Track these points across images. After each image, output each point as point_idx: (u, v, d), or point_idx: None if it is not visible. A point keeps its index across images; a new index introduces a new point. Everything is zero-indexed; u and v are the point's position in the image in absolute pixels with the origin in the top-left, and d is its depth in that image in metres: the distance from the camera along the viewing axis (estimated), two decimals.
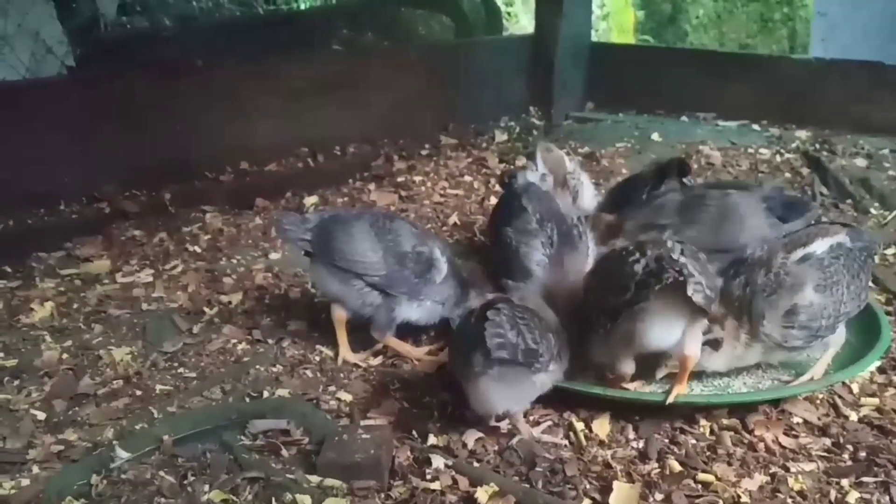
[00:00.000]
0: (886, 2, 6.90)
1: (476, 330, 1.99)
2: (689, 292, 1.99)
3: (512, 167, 4.51)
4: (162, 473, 1.99)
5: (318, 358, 2.60)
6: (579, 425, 2.19)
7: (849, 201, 3.87)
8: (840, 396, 2.30)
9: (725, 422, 2.19)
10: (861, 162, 4.41)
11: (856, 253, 2.30)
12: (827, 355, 2.31)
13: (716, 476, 1.97)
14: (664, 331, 2.13)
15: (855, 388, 2.35)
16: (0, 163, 3.70)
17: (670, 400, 2.15)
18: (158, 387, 2.44)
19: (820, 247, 2.27)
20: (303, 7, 7.15)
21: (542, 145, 3.34)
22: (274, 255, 3.46)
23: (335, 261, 2.51)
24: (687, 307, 2.05)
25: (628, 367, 2.23)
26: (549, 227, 2.68)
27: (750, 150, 4.77)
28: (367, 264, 2.50)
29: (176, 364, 2.59)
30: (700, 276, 2.03)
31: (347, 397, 2.36)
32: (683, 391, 2.19)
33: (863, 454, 2.05)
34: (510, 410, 2.07)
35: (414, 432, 2.15)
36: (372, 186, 4.35)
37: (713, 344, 2.22)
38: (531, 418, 2.21)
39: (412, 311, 2.56)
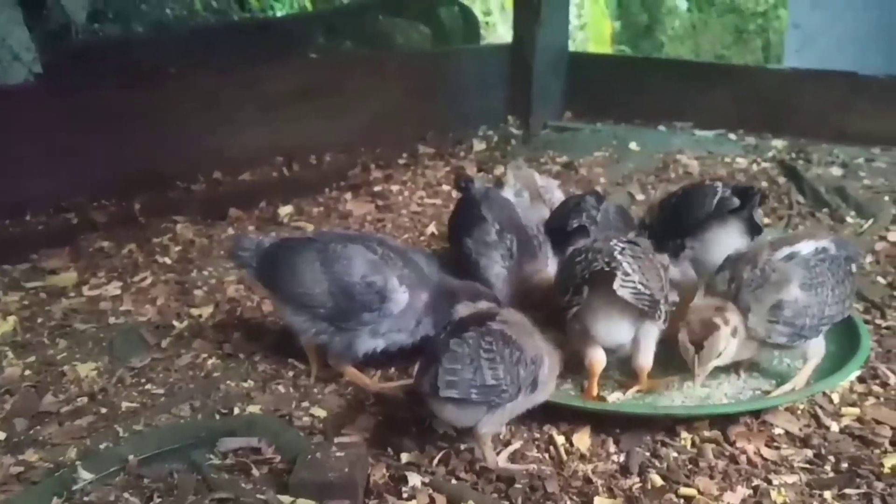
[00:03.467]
0: (859, 13, 6.98)
1: (437, 350, 1.94)
2: (615, 285, 2.05)
3: (475, 175, 4.47)
4: (127, 495, 1.90)
5: (291, 373, 2.53)
6: (560, 439, 2.14)
7: (825, 210, 3.87)
8: (821, 407, 2.28)
9: (707, 434, 2.15)
10: (837, 171, 4.43)
11: (840, 260, 2.30)
12: (808, 367, 2.29)
13: (698, 490, 1.93)
14: (608, 328, 2.18)
15: (835, 397, 2.32)
16: None
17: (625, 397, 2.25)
18: (124, 404, 2.36)
19: (806, 247, 2.28)
20: (279, 14, 7.08)
21: (513, 163, 3.32)
22: None
23: (277, 290, 2.43)
24: (628, 306, 2.11)
25: (596, 357, 2.21)
26: (509, 238, 2.64)
27: (727, 160, 4.79)
28: (310, 296, 2.36)
29: (143, 380, 2.51)
30: (635, 274, 2.09)
31: (321, 413, 2.29)
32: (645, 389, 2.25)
33: (845, 465, 2.03)
34: (478, 430, 2.00)
35: (389, 449, 2.09)
36: (348, 196, 4.30)
37: (733, 332, 2.19)
38: (510, 429, 2.16)
39: (374, 342, 2.41)
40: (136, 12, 6.06)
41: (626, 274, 2.08)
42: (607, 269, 2.07)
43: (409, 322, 2.40)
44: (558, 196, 3.26)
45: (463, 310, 2.17)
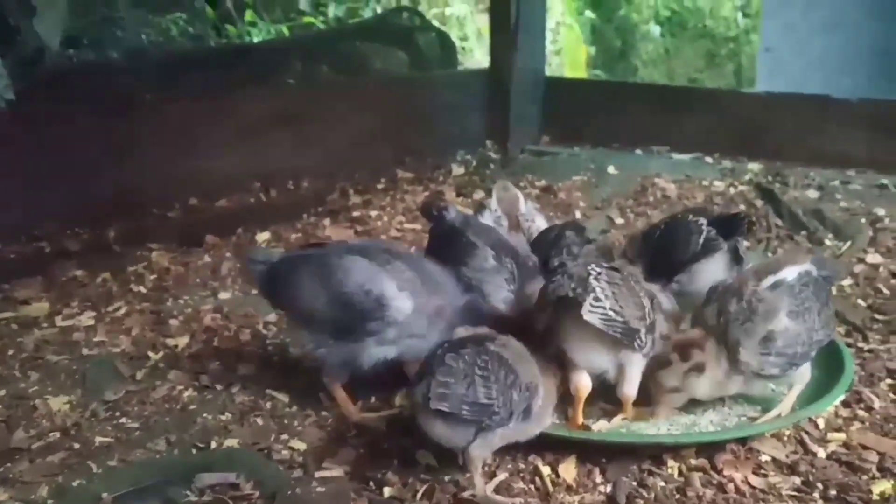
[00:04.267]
0: (829, 37, 7.12)
1: (433, 363, 1.92)
2: (583, 311, 2.03)
3: (443, 201, 4.44)
4: None
5: (269, 404, 2.48)
6: (545, 469, 2.10)
7: (803, 233, 3.90)
8: (807, 433, 2.26)
9: (693, 462, 2.12)
10: (813, 194, 4.47)
11: (821, 282, 2.30)
12: (793, 392, 2.28)
13: None
14: (585, 354, 2.16)
15: (821, 423, 2.31)
16: None
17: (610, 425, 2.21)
18: (98, 439, 2.29)
19: (790, 273, 2.27)
20: (255, 40, 7.07)
21: (499, 184, 3.24)
22: (224, 295, 3.33)
23: (282, 305, 2.39)
24: (604, 332, 2.08)
25: (581, 382, 2.18)
26: (508, 262, 2.58)
27: (704, 183, 4.82)
28: (311, 311, 2.32)
29: (118, 413, 2.44)
30: (607, 301, 2.05)
31: (301, 446, 2.24)
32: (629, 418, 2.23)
33: (833, 492, 2.01)
34: (470, 452, 1.95)
35: (371, 483, 2.05)
36: (327, 221, 4.26)
37: (697, 368, 2.19)
38: (495, 459, 2.12)
39: (382, 351, 2.33)
40: (112, 38, 6.01)
41: (597, 300, 2.05)
42: (572, 294, 2.04)
43: (422, 327, 2.32)
44: (539, 225, 3.20)
45: (462, 331, 2.13)
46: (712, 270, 2.53)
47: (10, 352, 2.84)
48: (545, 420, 2.08)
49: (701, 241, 2.55)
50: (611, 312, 2.06)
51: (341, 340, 2.31)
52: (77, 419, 2.39)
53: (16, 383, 2.62)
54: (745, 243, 2.70)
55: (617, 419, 2.26)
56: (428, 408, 1.85)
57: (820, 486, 2.03)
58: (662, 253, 2.62)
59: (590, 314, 2.04)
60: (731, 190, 4.67)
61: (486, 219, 3.00)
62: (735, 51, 11.69)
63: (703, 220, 2.61)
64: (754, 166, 5.10)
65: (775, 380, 2.30)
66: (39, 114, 4.20)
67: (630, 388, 2.20)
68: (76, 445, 2.26)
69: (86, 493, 2.00)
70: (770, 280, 2.24)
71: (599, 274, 2.12)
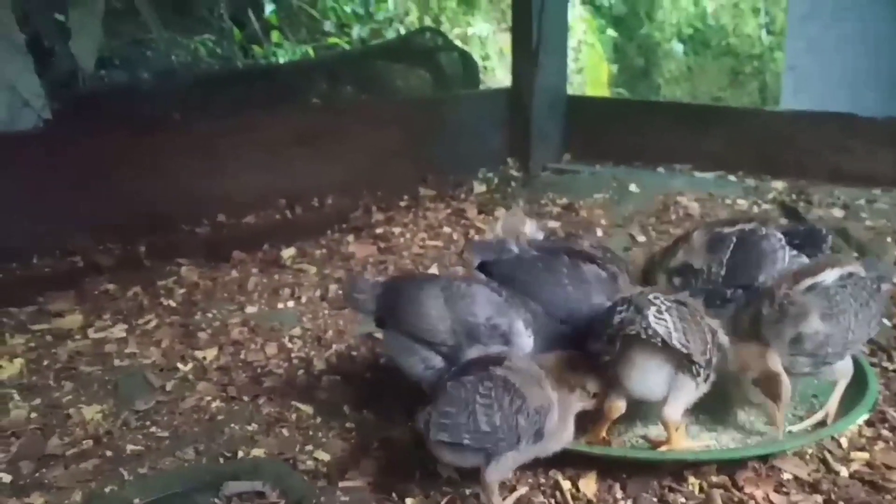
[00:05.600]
0: (853, 56, 7.09)
1: (437, 392, 1.94)
2: (648, 320, 1.99)
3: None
4: None
5: (294, 416, 2.52)
6: (566, 484, 2.12)
7: (827, 252, 3.88)
8: (829, 451, 2.26)
9: (714, 479, 2.13)
10: (838, 212, 4.46)
11: (866, 282, 2.31)
12: (838, 389, 2.31)
13: None
14: (643, 380, 2.11)
15: (844, 442, 2.31)
16: None
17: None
18: (129, 447, 2.35)
19: (829, 276, 2.28)
20: (281, 61, 7.19)
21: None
22: (250, 309, 3.39)
23: (400, 325, 2.29)
24: (664, 361, 2.06)
25: (616, 404, 2.15)
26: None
27: (727, 201, 4.82)
28: (432, 332, 2.25)
29: (148, 423, 2.50)
30: (676, 332, 2.01)
31: (325, 457, 2.28)
32: (676, 448, 2.16)
33: None
34: (485, 478, 1.96)
35: (394, 494, 2.08)
36: (350, 238, 4.32)
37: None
38: (516, 474, 2.14)
39: None
40: (142, 59, 6.15)
41: (660, 312, 2.02)
42: (644, 336, 2.00)
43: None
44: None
45: (473, 353, 2.16)
46: None
47: (45, 362, 2.91)
48: (564, 436, 2.06)
49: (786, 258, 2.48)
50: (677, 343, 2.01)
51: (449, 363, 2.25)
52: (109, 428, 2.46)
53: (50, 393, 2.69)
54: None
55: (663, 448, 2.21)
56: (428, 433, 1.88)
57: None
58: (741, 269, 2.50)
59: (655, 324, 1.99)
60: (755, 208, 4.67)
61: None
62: (759, 69, 11.62)
63: (780, 236, 2.52)
64: (778, 184, 5.10)
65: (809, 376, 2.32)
66: (73, 132, 4.32)
67: (673, 412, 2.14)
68: (108, 453, 2.32)
69: (117, 498, 2.06)
70: (807, 283, 2.26)
71: (669, 308, 2.07)
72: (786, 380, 2.17)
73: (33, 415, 2.55)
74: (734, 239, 2.56)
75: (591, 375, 2.11)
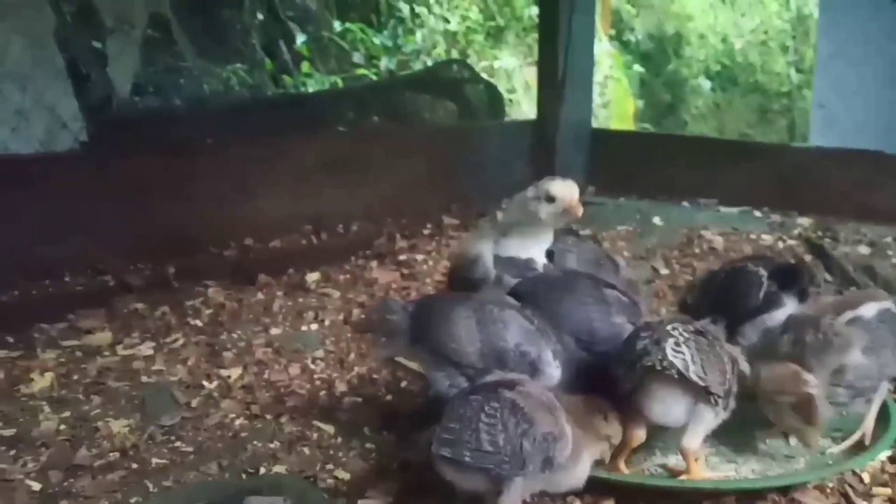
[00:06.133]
0: (883, 93, 7.09)
1: (443, 409, 1.97)
2: (666, 353, 2.04)
3: None
4: None
5: (315, 435, 2.55)
6: None
7: (853, 289, 3.87)
8: (851, 486, 2.24)
9: None
10: (864, 249, 4.44)
11: None
12: (873, 409, 2.33)
13: None
14: (662, 409, 2.13)
15: (866, 477, 2.29)
16: (8, 233, 3.73)
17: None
18: (155, 460, 2.39)
19: (868, 310, 2.34)
20: (311, 90, 7.32)
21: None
22: (275, 331, 3.44)
23: (429, 343, 2.30)
24: (683, 392, 2.08)
25: (638, 434, 2.18)
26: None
27: (752, 236, 4.82)
28: (460, 353, 2.26)
29: (173, 438, 2.54)
30: (693, 365, 2.04)
31: (345, 476, 2.30)
32: (695, 478, 2.16)
33: None
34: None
35: None
36: (374, 264, 4.37)
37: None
38: (534, 498, 2.15)
39: None
40: (176, 87, 6.31)
41: (678, 345, 2.06)
42: (659, 367, 2.04)
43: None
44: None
45: (491, 377, 2.17)
46: (773, 324, 2.50)
47: (75, 377, 2.98)
48: (577, 473, 2.03)
49: (762, 294, 2.53)
50: (694, 376, 2.05)
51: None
52: (135, 441, 2.50)
53: (79, 406, 2.75)
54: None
55: (682, 477, 2.20)
56: (432, 452, 1.90)
57: None
58: (722, 301, 2.58)
59: (673, 357, 2.04)
60: (780, 244, 4.66)
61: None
62: (787, 106, 11.62)
63: (763, 272, 2.58)
64: (804, 221, 5.09)
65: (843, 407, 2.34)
66: (108, 155, 4.44)
67: (692, 441, 2.15)
68: (134, 465, 2.37)
69: None
70: (848, 315, 2.31)
71: (687, 340, 2.10)
72: (821, 402, 2.18)
73: (62, 426, 2.60)
74: (723, 276, 2.70)
75: (612, 421, 2.11)
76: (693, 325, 2.21)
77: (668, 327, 2.12)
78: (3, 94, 4.24)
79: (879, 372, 2.28)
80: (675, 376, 2.04)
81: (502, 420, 1.93)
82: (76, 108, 4.44)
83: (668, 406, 2.13)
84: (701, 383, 2.06)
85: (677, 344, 2.07)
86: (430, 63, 8.30)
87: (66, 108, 4.40)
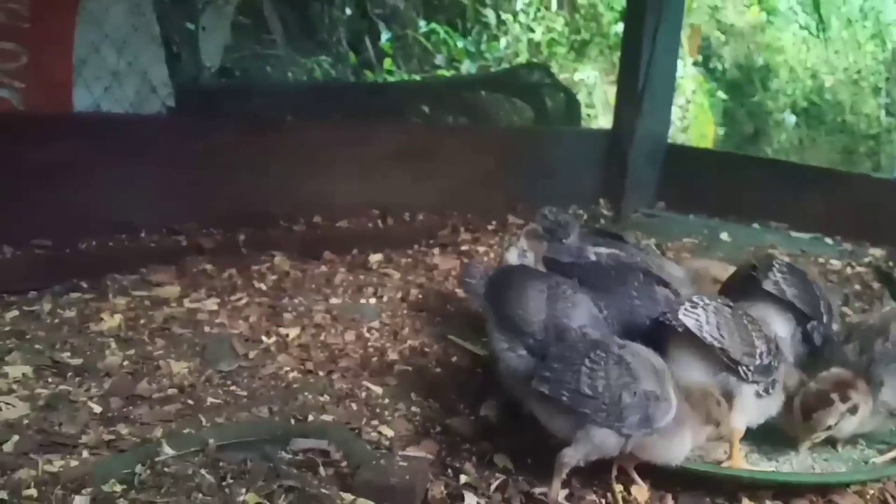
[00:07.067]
0: None
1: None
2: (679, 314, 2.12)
3: None
4: (203, 472, 2.03)
5: (364, 394, 2.64)
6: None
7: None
8: (892, 495, 2.20)
9: None
10: None
11: None
12: None
13: None
14: (680, 373, 2.15)
15: None
16: (91, 188, 3.93)
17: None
18: (210, 399, 2.52)
19: None
20: (390, 80, 7.46)
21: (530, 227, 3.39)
22: (334, 300, 3.55)
23: (499, 306, 2.36)
24: (715, 364, 2.14)
25: (737, 423, 2.20)
26: None
27: (820, 260, 4.72)
28: (526, 322, 2.30)
29: (229, 382, 2.66)
30: (709, 326, 2.11)
31: (389, 432, 2.38)
32: (736, 465, 2.16)
33: None
34: (560, 458, 1.99)
35: (450, 470, 2.16)
36: (436, 251, 4.45)
37: (853, 408, 2.22)
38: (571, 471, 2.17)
39: None
40: (261, 70, 6.53)
41: (693, 305, 2.15)
42: (668, 324, 2.12)
43: None
44: None
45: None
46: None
47: (142, 321, 3.13)
48: (676, 444, 2.03)
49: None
50: (708, 336, 2.10)
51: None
52: (193, 381, 2.63)
53: (144, 346, 2.90)
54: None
55: (725, 463, 2.23)
56: (531, 387, 1.95)
57: None
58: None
59: (684, 316, 2.11)
60: (849, 270, 4.56)
61: (512, 255, 3.16)
62: (874, 149, 11.27)
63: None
64: (876, 251, 4.95)
65: None
66: (192, 124, 4.64)
67: (735, 420, 2.16)
68: (190, 401, 2.49)
69: (195, 439, 2.21)
70: None
71: (707, 305, 2.16)
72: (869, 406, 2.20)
73: (126, 362, 2.75)
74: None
75: (724, 407, 2.11)
76: (727, 302, 2.24)
77: (695, 297, 2.18)
78: (100, 54, 4.45)
79: None
80: (680, 329, 2.09)
81: (605, 368, 1.98)
82: (166, 76, 4.65)
83: (688, 370, 2.15)
84: (716, 343, 2.09)
85: (693, 306, 2.13)
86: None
87: (157, 74, 4.61)
